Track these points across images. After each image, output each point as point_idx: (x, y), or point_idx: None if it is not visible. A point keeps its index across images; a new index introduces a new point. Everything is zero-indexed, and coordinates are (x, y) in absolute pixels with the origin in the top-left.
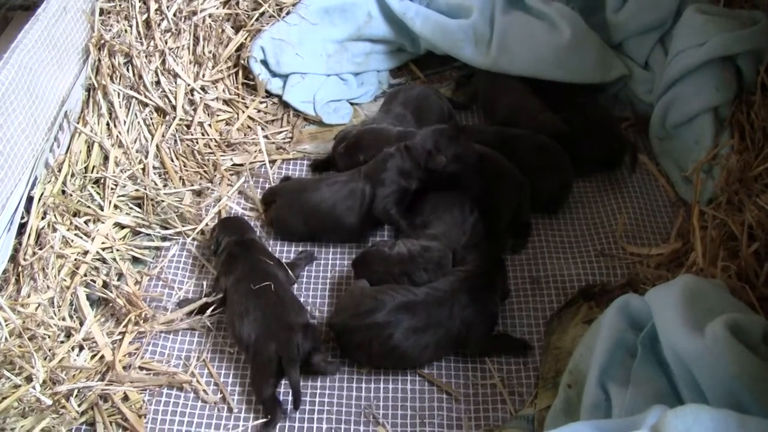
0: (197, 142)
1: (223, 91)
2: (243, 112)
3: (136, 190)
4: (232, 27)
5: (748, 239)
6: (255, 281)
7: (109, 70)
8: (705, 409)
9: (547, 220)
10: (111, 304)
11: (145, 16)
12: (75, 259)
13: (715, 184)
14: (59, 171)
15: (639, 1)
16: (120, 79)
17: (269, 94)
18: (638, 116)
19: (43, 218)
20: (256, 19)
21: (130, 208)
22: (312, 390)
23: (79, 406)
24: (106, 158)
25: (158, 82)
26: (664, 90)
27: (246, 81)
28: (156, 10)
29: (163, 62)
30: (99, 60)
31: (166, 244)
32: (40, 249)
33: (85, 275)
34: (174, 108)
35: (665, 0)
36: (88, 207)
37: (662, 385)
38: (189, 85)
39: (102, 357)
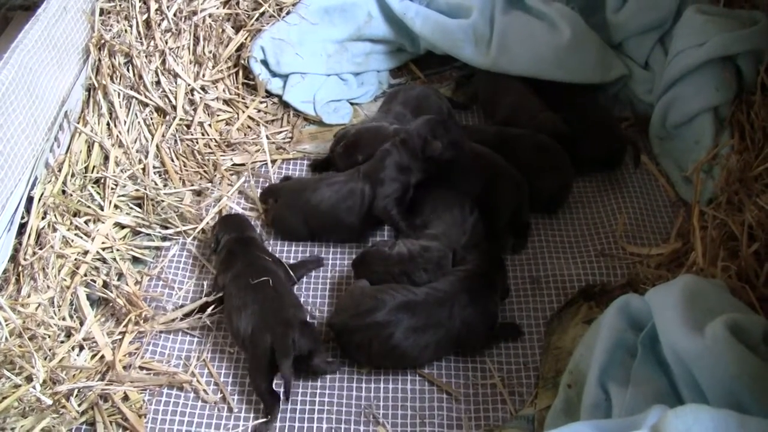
0: (197, 142)
1: (224, 91)
2: (243, 112)
3: (137, 190)
4: (233, 27)
5: (748, 239)
6: (253, 277)
7: (110, 70)
8: (705, 409)
9: (547, 220)
10: (111, 304)
11: (145, 16)
12: (75, 259)
13: (715, 184)
14: (59, 171)
15: (639, 1)
16: (120, 79)
17: (269, 94)
18: (638, 116)
19: (43, 218)
20: (257, 19)
21: (131, 208)
22: (312, 390)
23: (79, 405)
24: (106, 158)
25: (158, 82)
26: (664, 90)
27: (246, 81)
28: (156, 10)
29: (164, 62)
30: (99, 60)
31: (166, 244)
32: (41, 249)
33: (86, 275)
34: (174, 108)
35: (665, 0)
36: (89, 207)
37: (662, 385)
38: (189, 85)
39: (102, 357)
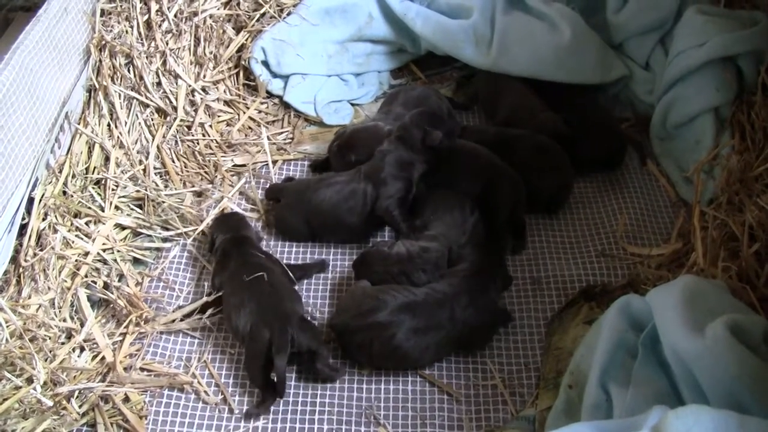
0: (198, 143)
1: (224, 91)
2: (244, 112)
3: (137, 191)
4: (233, 28)
5: (749, 240)
6: (248, 275)
7: (110, 71)
8: (705, 410)
9: (548, 221)
10: (112, 305)
11: (146, 17)
12: (76, 260)
13: (715, 184)
14: (60, 172)
15: (639, 2)
16: (121, 80)
17: (270, 94)
18: (639, 117)
19: (44, 219)
20: (257, 20)
21: (131, 209)
22: (313, 390)
23: (80, 407)
24: (107, 159)
25: (159, 83)
26: (665, 90)
27: (247, 82)
28: (157, 11)
29: (164, 63)
30: (100, 61)
31: (167, 245)
32: (41, 250)
33: (86, 276)
34: (175, 109)
35: (665, 0)
36: (89, 208)
37: (663, 386)
38: (190, 85)
39: (103, 358)
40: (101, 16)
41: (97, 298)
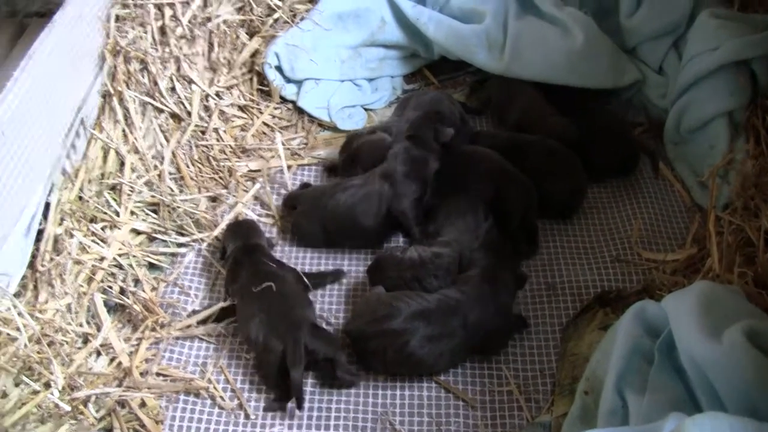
0: (212, 148)
1: (238, 97)
2: (258, 117)
3: (152, 196)
4: (247, 33)
5: (765, 245)
6: (257, 285)
7: (125, 77)
8: (723, 417)
9: (562, 226)
10: (128, 310)
11: (160, 22)
12: (92, 265)
13: (730, 189)
14: (76, 177)
15: (652, 6)
16: (135, 86)
17: (284, 99)
18: (652, 121)
19: (60, 224)
20: (271, 25)
21: (146, 214)
22: (328, 396)
23: (96, 412)
24: (122, 164)
25: (173, 89)
26: (679, 95)
27: (261, 87)
28: (171, 16)
29: (178, 68)
30: (115, 66)
31: (182, 250)
32: (58, 255)
33: (102, 281)
34: (189, 114)
35: (679, 4)
36: (105, 213)
37: (679, 392)
38: (204, 91)
39: (119, 363)
40: (116, 21)
41: (113, 303)
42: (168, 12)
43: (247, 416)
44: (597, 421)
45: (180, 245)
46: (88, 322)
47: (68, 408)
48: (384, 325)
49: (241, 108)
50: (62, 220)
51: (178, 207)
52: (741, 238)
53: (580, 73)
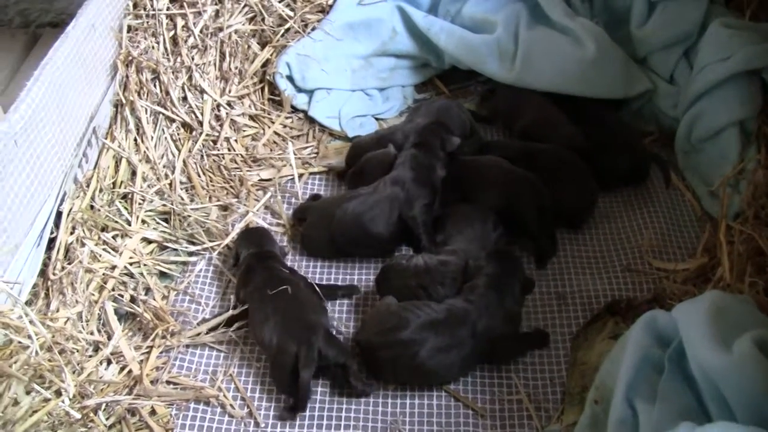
0: (223, 158)
1: (249, 106)
2: (269, 127)
3: (163, 205)
4: (258, 43)
5: None
6: (273, 288)
7: (137, 86)
8: (733, 427)
9: (573, 235)
10: (138, 319)
11: (172, 32)
12: (103, 274)
13: (741, 198)
14: (88, 186)
15: (664, 16)
16: (147, 95)
17: (295, 109)
18: (663, 131)
19: (71, 233)
20: (282, 35)
21: (158, 223)
22: (338, 405)
23: (107, 419)
24: (133, 173)
25: (185, 98)
26: (690, 104)
27: (272, 96)
28: (183, 26)
29: (190, 78)
30: (127, 76)
31: (193, 259)
32: (69, 264)
33: (113, 290)
34: (200, 123)
35: (690, 14)
36: (116, 222)
37: (689, 402)
38: (215, 100)
39: (130, 371)
40: (128, 32)
41: (124, 311)
42: (180, 22)
43: (257, 424)
44: (607, 431)
45: (191, 254)
46: (99, 331)
47: (79, 416)
48: (393, 335)
49: (253, 117)
50: (74, 228)
51: (189, 216)
52: (752, 247)
53: (591, 82)
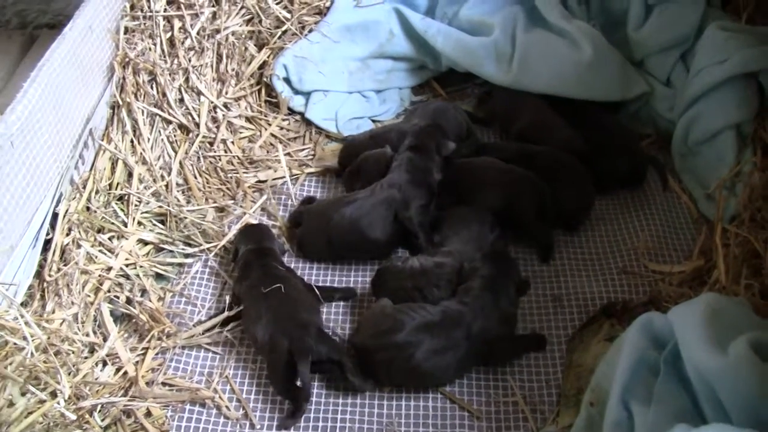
0: (220, 159)
1: (246, 108)
2: (266, 129)
3: (160, 206)
4: (255, 45)
5: None
6: (266, 286)
7: (134, 88)
8: (728, 429)
9: (569, 238)
10: (134, 320)
11: (169, 34)
12: (99, 275)
13: (737, 201)
14: (84, 188)
15: (661, 18)
16: (144, 97)
17: (292, 111)
18: (660, 133)
19: (67, 235)
20: (279, 37)
21: (154, 224)
22: (333, 407)
23: (102, 421)
24: (130, 175)
25: (182, 100)
26: (686, 107)
27: (269, 98)
28: (180, 28)
29: (187, 80)
30: (123, 78)
31: (189, 260)
32: (65, 265)
33: (109, 291)
34: (197, 125)
35: (687, 17)
36: (112, 223)
37: (685, 404)
38: (212, 102)
39: (125, 372)
40: (125, 33)
41: (120, 312)
42: (177, 24)
43: (252, 426)
44: None
45: (187, 256)
46: (94, 332)
47: (74, 417)
48: (389, 338)
49: (249, 119)
50: (70, 230)
51: (186, 218)
52: (747, 250)
53: (588, 85)
